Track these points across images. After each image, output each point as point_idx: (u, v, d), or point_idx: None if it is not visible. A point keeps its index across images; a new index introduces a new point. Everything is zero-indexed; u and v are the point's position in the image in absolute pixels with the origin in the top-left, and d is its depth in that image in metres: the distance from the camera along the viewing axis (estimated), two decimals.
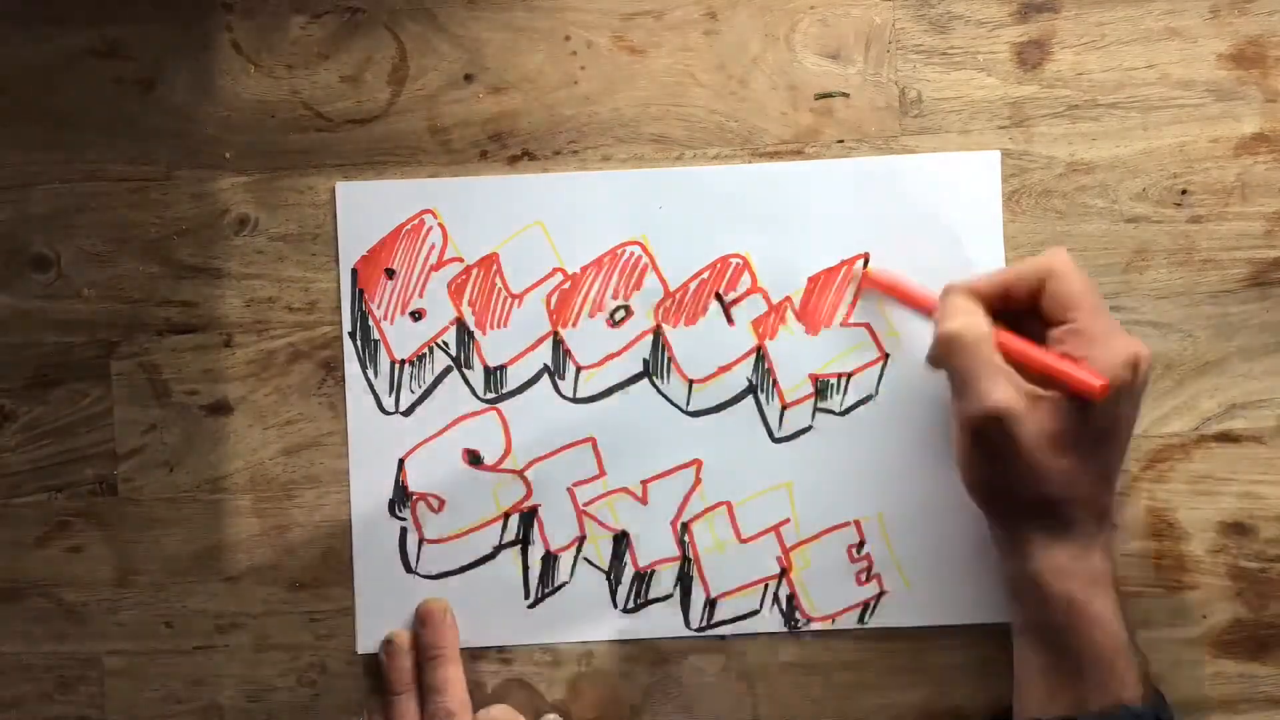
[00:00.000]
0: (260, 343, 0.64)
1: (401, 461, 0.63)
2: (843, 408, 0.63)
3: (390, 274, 0.63)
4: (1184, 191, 0.63)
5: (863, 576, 0.63)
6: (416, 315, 0.63)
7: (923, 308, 0.61)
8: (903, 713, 0.63)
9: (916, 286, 0.61)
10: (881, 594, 0.63)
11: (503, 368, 0.63)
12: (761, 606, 0.63)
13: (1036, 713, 0.56)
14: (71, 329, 0.64)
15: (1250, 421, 0.63)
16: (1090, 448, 0.55)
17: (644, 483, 0.63)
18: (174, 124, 0.64)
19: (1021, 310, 0.58)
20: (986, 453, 0.56)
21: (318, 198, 0.64)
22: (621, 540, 0.64)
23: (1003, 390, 0.54)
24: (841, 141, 0.63)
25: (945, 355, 0.56)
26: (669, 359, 0.63)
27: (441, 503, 0.64)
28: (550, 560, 0.64)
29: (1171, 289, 0.63)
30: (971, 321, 0.56)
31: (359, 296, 0.63)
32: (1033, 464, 0.55)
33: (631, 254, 0.63)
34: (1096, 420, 0.55)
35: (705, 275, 0.63)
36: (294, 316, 0.64)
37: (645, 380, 0.63)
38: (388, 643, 0.63)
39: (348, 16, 0.64)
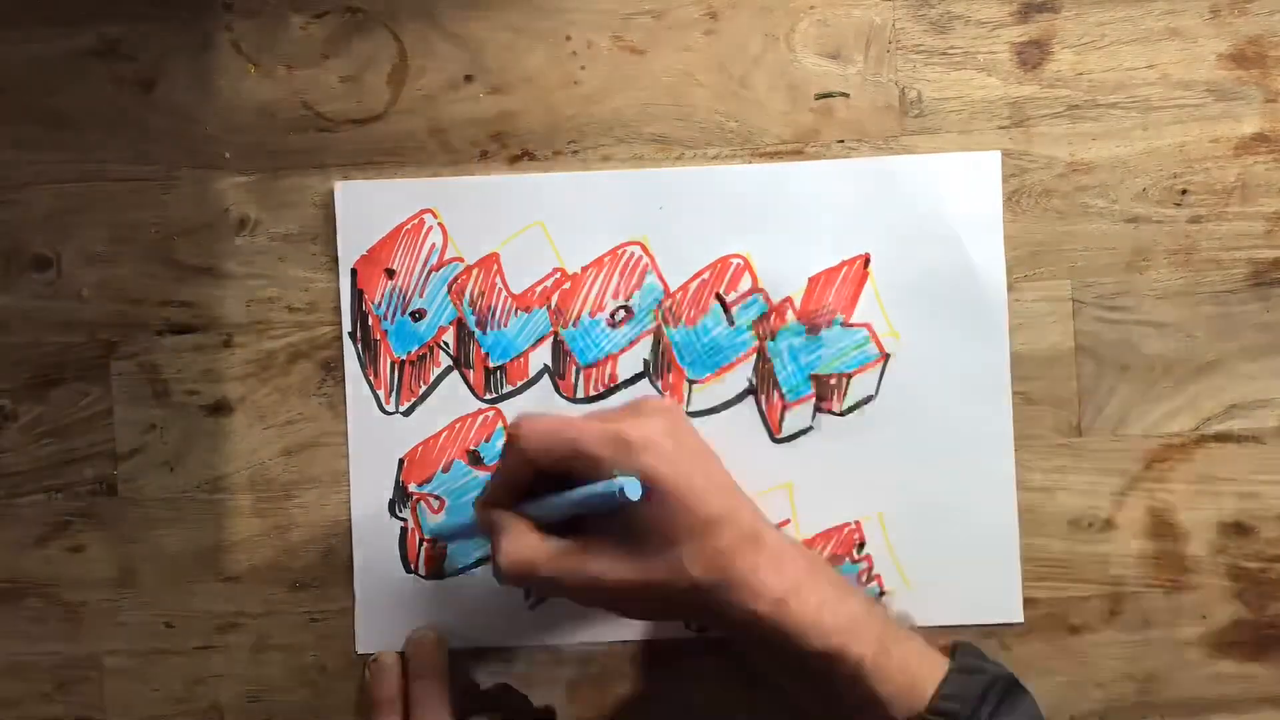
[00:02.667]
0: (260, 343, 0.64)
1: (401, 461, 0.63)
2: (843, 408, 0.63)
3: (390, 274, 0.63)
4: (1184, 191, 0.63)
5: (863, 577, 0.63)
6: (416, 315, 0.63)
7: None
8: None
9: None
10: (882, 594, 0.63)
11: (503, 368, 0.63)
12: None
13: None
14: (71, 329, 0.64)
15: (1250, 421, 0.63)
16: (683, 519, 0.53)
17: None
18: (174, 124, 0.64)
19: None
20: (626, 615, 0.58)
21: (318, 198, 0.64)
22: None
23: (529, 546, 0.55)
24: (841, 141, 0.63)
25: (518, 582, 0.56)
26: (669, 359, 0.63)
27: (441, 503, 0.64)
28: None
29: (1171, 289, 0.63)
30: (518, 542, 0.55)
31: (359, 296, 0.63)
32: (654, 582, 0.53)
33: (632, 254, 0.63)
34: (667, 499, 0.53)
35: (705, 275, 0.63)
36: (294, 316, 0.64)
37: (645, 380, 0.63)
38: (373, 662, 0.63)
39: (348, 16, 0.64)
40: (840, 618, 0.54)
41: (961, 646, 0.57)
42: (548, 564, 0.54)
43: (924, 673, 0.54)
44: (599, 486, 0.53)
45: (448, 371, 0.63)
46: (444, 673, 0.62)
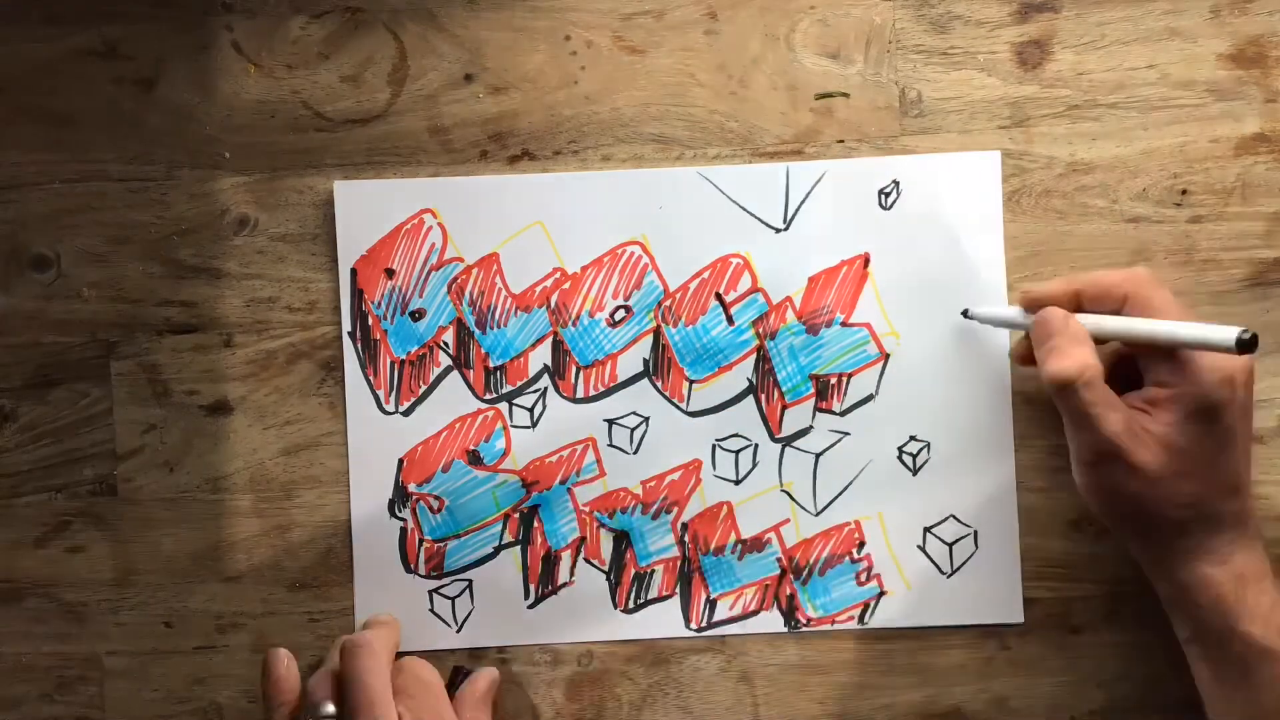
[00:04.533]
0: (260, 343, 0.64)
1: (401, 461, 0.63)
2: (843, 408, 0.63)
3: (390, 274, 0.63)
4: (1184, 191, 0.63)
5: (863, 577, 0.63)
6: (416, 315, 0.63)
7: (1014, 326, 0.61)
8: (903, 713, 0.63)
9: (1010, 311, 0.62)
10: (881, 594, 0.63)
11: (502, 368, 0.63)
12: (761, 607, 0.63)
13: None
14: (71, 329, 0.64)
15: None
16: (1209, 462, 0.56)
17: (644, 483, 0.63)
18: (174, 124, 0.64)
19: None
20: (1110, 485, 0.56)
21: (318, 198, 0.64)
22: (621, 540, 0.64)
23: (1117, 423, 0.55)
24: (841, 141, 0.63)
25: (1059, 396, 0.57)
26: (669, 359, 0.63)
27: (441, 503, 0.64)
28: (550, 560, 0.64)
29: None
30: (1083, 360, 0.56)
31: (359, 296, 0.63)
32: (1157, 488, 0.55)
33: (631, 254, 0.63)
34: (1209, 435, 0.55)
35: (705, 275, 0.63)
36: (294, 316, 0.64)
37: (646, 380, 0.63)
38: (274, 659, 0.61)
39: (348, 16, 0.64)
40: None
41: None
42: (1086, 393, 0.55)
43: None
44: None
45: (447, 371, 0.63)
46: (375, 643, 0.60)
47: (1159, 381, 0.56)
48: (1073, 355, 0.56)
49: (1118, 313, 0.58)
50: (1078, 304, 0.59)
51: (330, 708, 0.57)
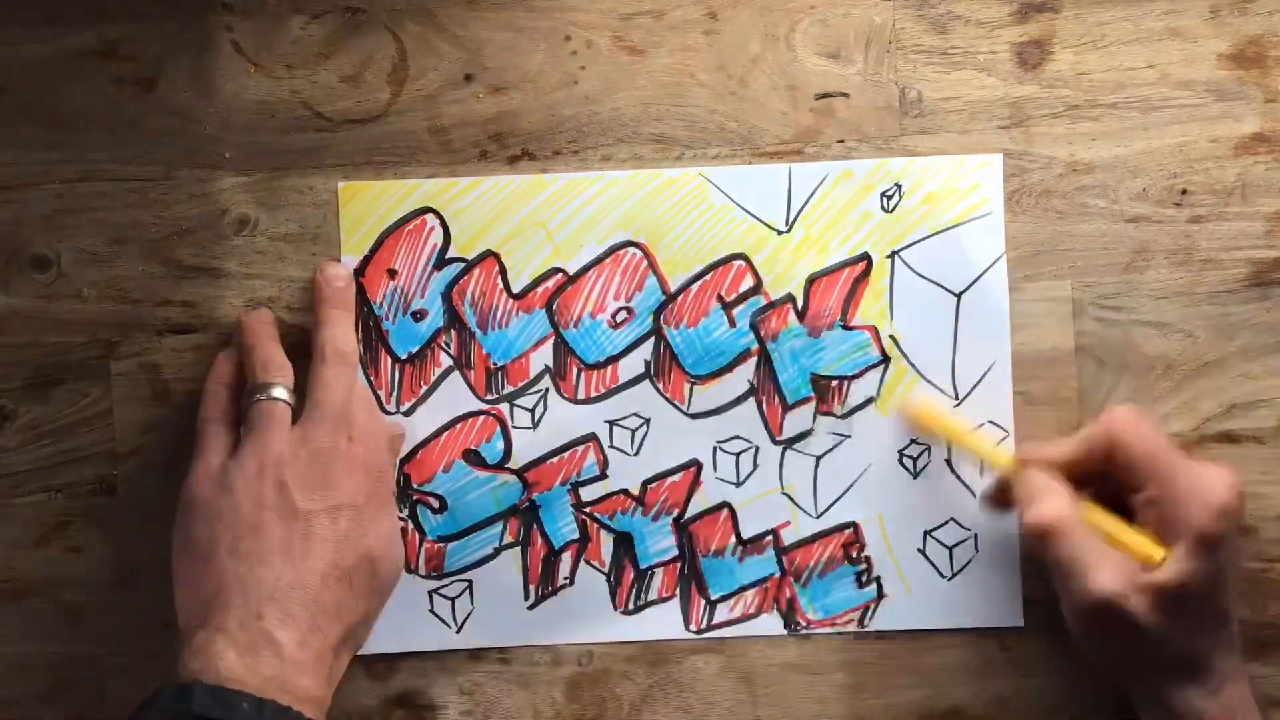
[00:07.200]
0: None
1: (402, 462, 0.63)
2: (844, 410, 0.63)
3: (392, 274, 0.63)
4: (1184, 191, 0.63)
5: (863, 579, 0.63)
6: (417, 315, 0.63)
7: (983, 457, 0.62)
8: (902, 714, 0.63)
9: (961, 426, 0.62)
10: (881, 597, 0.63)
11: (504, 368, 0.63)
12: (761, 609, 0.63)
13: None
14: (71, 329, 0.64)
15: (1250, 421, 0.63)
16: (1202, 600, 0.56)
17: (645, 484, 0.63)
18: (174, 124, 0.64)
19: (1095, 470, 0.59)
20: (1105, 631, 0.57)
21: (318, 198, 0.64)
22: (622, 541, 0.64)
23: (1110, 577, 0.55)
24: (841, 141, 0.63)
25: (1040, 543, 0.57)
26: (670, 360, 0.63)
27: (442, 503, 0.64)
28: (550, 561, 0.64)
29: (1171, 289, 0.63)
30: (1061, 506, 0.57)
31: (361, 296, 0.63)
32: (1152, 632, 0.55)
33: (632, 255, 0.63)
34: (1204, 574, 0.55)
35: (706, 276, 0.63)
36: (294, 317, 0.64)
37: (647, 382, 0.63)
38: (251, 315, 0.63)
39: (348, 16, 0.64)
40: None
41: None
42: (1072, 541, 0.56)
43: None
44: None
45: (449, 372, 0.63)
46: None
47: (1148, 514, 0.57)
48: (1049, 500, 0.57)
49: (1108, 464, 0.58)
50: (1077, 464, 0.59)
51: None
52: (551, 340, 0.63)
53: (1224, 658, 0.57)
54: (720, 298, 0.63)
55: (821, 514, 0.63)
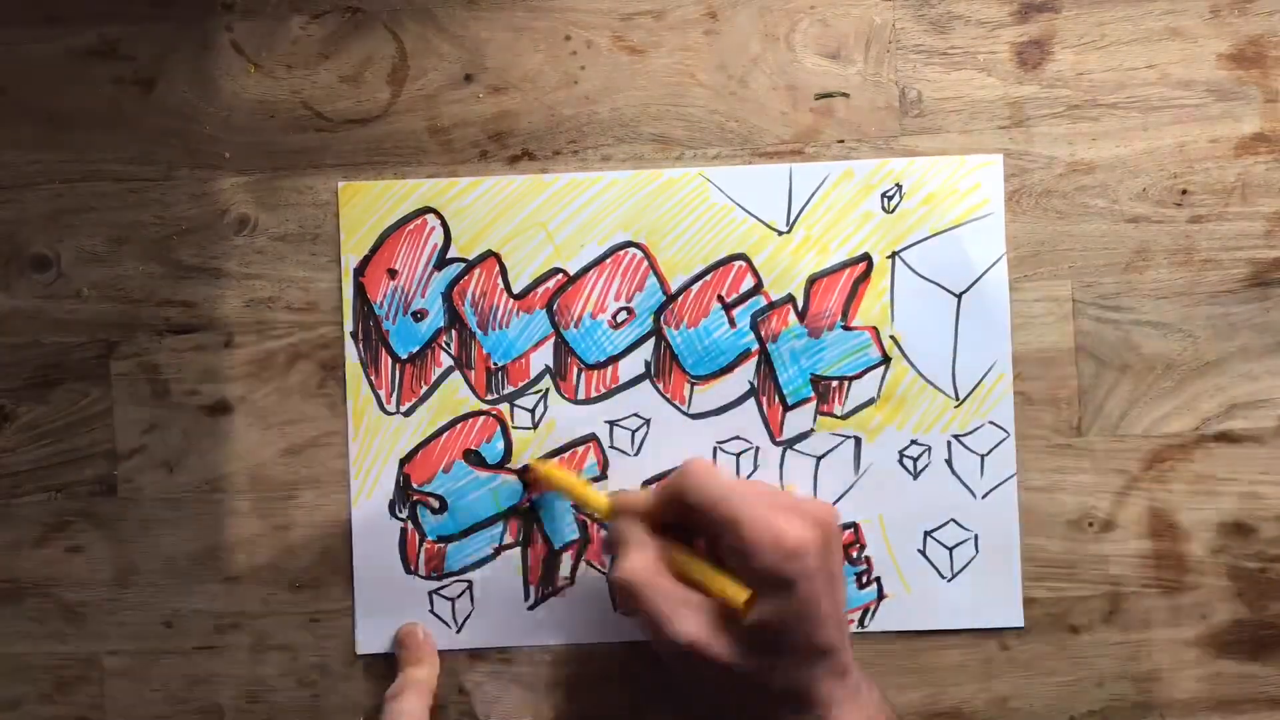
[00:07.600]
0: (260, 343, 0.64)
1: (401, 461, 0.63)
2: (844, 411, 0.63)
3: (392, 274, 0.63)
4: (1184, 191, 0.63)
5: (863, 580, 0.63)
6: (418, 315, 0.63)
7: (592, 507, 0.61)
8: (902, 713, 0.63)
9: (585, 488, 0.62)
10: (881, 598, 0.63)
11: (504, 369, 0.63)
12: None
13: None
14: (71, 329, 0.64)
15: (1250, 421, 0.63)
16: (789, 636, 0.55)
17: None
18: (174, 124, 0.64)
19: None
20: (700, 675, 0.56)
21: (318, 198, 0.64)
22: None
23: (690, 625, 0.55)
24: (841, 141, 0.63)
25: (625, 599, 0.57)
26: (671, 361, 0.63)
27: (442, 503, 0.64)
28: (550, 561, 0.64)
29: (1171, 289, 0.63)
30: (639, 560, 0.57)
31: (361, 296, 0.63)
32: (746, 671, 0.55)
33: (632, 255, 0.63)
34: (790, 612, 0.54)
35: (707, 277, 0.63)
36: (294, 316, 0.64)
37: (647, 382, 0.63)
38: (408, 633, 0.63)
39: (348, 16, 0.64)
40: None
41: None
42: (651, 594, 0.56)
43: None
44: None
45: (449, 372, 0.63)
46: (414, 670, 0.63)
47: (734, 564, 0.56)
48: (631, 555, 0.57)
49: (689, 508, 0.57)
50: (659, 518, 0.59)
51: None
52: (552, 340, 0.63)
53: (832, 687, 0.56)
54: (721, 298, 0.63)
55: None
